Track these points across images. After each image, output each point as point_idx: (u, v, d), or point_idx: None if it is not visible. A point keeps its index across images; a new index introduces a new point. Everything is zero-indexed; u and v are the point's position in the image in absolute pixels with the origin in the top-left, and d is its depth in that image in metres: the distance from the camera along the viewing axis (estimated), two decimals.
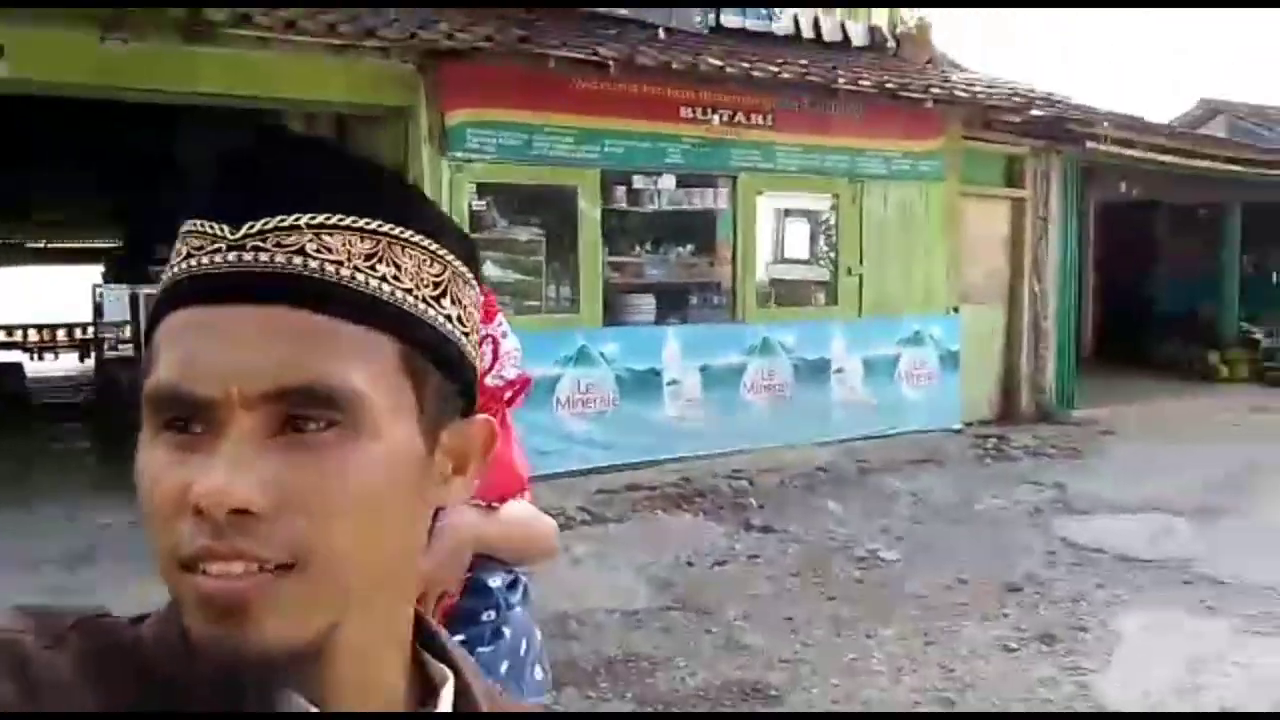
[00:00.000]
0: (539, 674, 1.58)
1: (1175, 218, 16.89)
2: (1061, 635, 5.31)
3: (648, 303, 8.94)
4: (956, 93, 10.24)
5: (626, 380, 8.50)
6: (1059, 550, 6.85)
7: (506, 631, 1.51)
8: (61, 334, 22.89)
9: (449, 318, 0.66)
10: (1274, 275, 15.07)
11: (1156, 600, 5.86)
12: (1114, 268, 16.83)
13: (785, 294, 10.09)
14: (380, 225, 0.63)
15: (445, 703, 0.69)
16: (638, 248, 9.12)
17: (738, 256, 9.41)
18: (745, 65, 8.77)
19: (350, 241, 0.62)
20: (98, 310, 14.22)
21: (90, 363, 17.59)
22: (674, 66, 8.34)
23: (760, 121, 9.38)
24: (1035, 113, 10.90)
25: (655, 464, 8.41)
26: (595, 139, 8.50)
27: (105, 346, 13.22)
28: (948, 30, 34.25)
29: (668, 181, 9.02)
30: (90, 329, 20.53)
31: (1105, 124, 11.43)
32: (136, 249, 11.61)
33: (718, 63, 8.59)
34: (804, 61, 9.40)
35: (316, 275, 0.61)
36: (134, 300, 10.12)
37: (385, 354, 0.62)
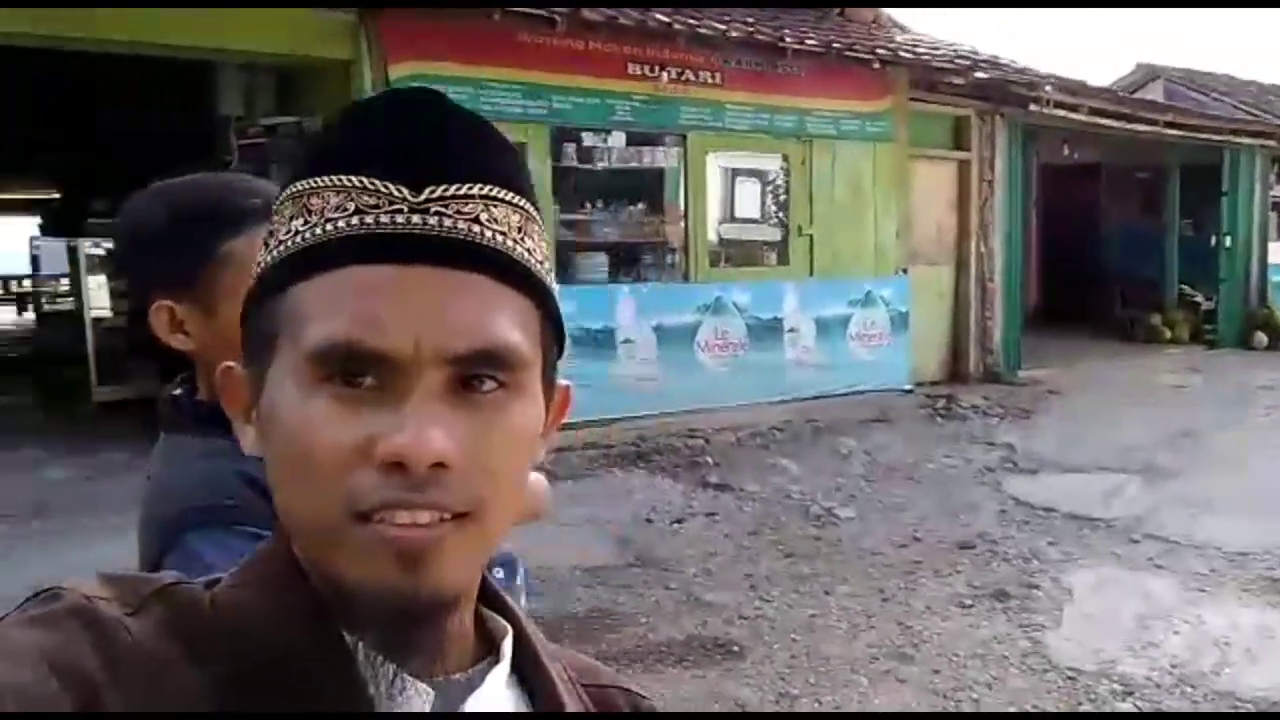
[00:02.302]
0: None
1: (1116, 180, 17.11)
2: (1014, 592, 5.34)
3: (600, 261, 8.85)
4: (901, 54, 10.22)
5: (580, 339, 8.40)
6: (1010, 509, 6.91)
7: None
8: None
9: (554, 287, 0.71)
10: (1212, 238, 15.31)
11: (1107, 558, 5.92)
12: (1058, 230, 17.01)
13: (737, 254, 10.04)
14: (520, 200, 0.67)
15: (505, 654, 0.71)
16: (589, 206, 9.00)
17: (689, 215, 9.33)
18: (692, 22, 8.66)
19: (508, 214, 0.65)
20: (34, 263, 13.81)
21: (30, 316, 17.14)
22: (621, 22, 8.21)
23: (709, 80, 9.29)
24: (979, 75, 10.92)
25: (611, 423, 8.34)
26: (543, 94, 8.35)
27: (43, 300, 12.84)
28: None
29: (617, 139, 8.91)
30: (27, 282, 20.00)
31: (1048, 87, 11.49)
32: (73, 202, 11.29)
33: (665, 19, 8.47)
34: (751, 20, 9.30)
35: (491, 244, 0.64)
36: (72, 253, 9.85)
37: (534, 320, 0.66)
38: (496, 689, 0.69)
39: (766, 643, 4.73)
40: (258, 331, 0.65)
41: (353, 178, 0.63)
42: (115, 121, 10.90)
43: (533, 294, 0.66)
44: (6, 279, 21.89)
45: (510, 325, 0.63)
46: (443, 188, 0.63)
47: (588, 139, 8.74)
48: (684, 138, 9.24)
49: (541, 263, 0.68)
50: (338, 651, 0.63)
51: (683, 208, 9.32)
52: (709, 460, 7.92)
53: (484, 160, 0.66)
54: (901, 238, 10.75)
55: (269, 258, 0.66)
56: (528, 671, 0.73)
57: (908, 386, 10.60)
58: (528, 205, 0.68)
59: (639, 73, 8.86)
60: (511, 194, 0.66)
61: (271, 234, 0.66)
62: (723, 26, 8.81)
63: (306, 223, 0.64)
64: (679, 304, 9.11)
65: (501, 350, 0.62)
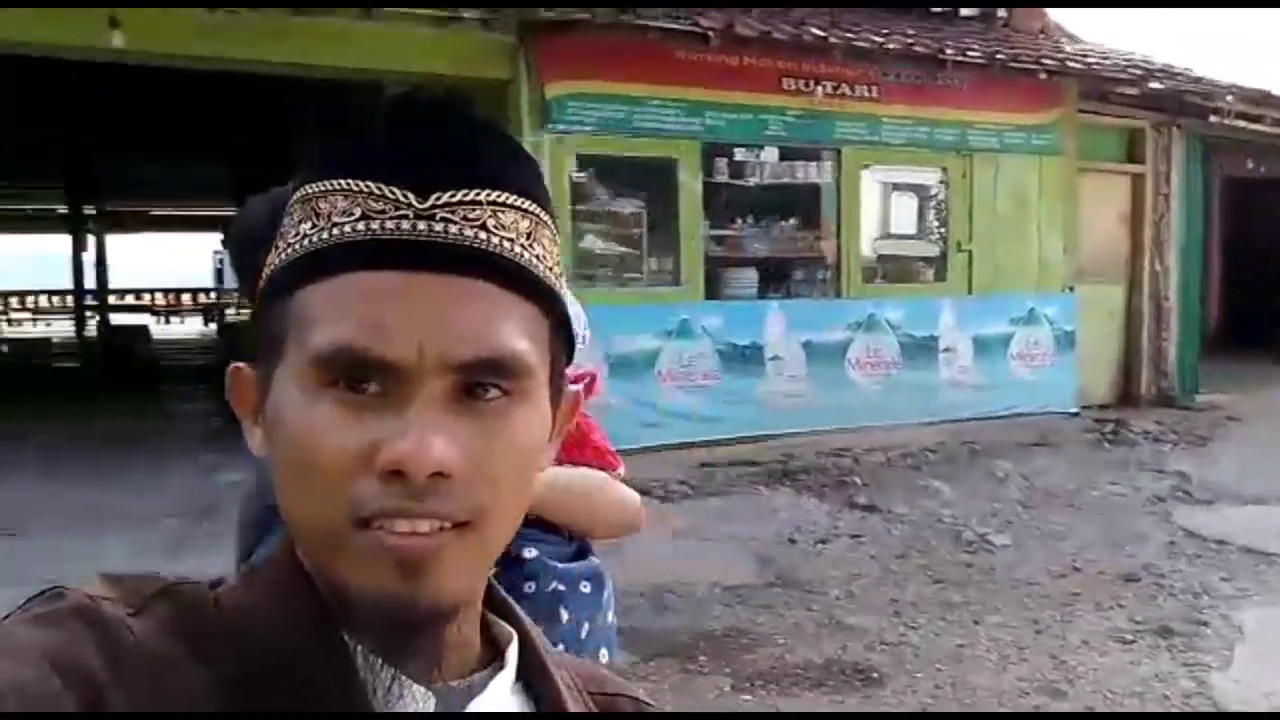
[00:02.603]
0: (604, 657, 1.47)
1: None
2: (1180, 629, 5.03)
3: (749, 276, 8.79)
4: (1070, 64, 9.83)
5: (728, 354, 8.38)
6: (1180, 540, 6.53)
7: (563, 613, 1.40)
8: (186, 299, 23.64)
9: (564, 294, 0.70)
10: None
11: None
12: (1242, 247, 16.02)
13: (892, 270, 9.83)
14: (530, 205, 0.66)
15: (511, 660, 0.70)
16: (739, 221, 8.95)
17: (842, 231, 9.19)
18: (849, 35, 8.54)
19: (516, 220, 0.65)
20: (218, 276, 14.61)
21: (213, 326, 18.16)
22: (775, 36, 8.15)
23: (865, 93, 9.14)
24: (1153, 85, 10.39)
25: (757, 440, 8.27)
26: (696, 111, 8.37)
27: (225, 311, 13.55)
28: None
29: (770, 154, 8.85)
30: (212, 294, 21.30)
31: (1229, 97, 10.86)
32: None
33: (821, 33, 8.37)
34: (910, 32, 9.11)
35: (497, 251, 0.63)
36: None
37: (541, 328, 0.66)
38: (499, 695, 0.69)
39: (909, 671, 4.58)
40: (266, 333, 0.66)
41: (361, 182, 0.63)
42: (296, 139, 11.50)
43: (540, 300, 0.66)
44: (194, 291, 23.27)
45: (516, 333, 0.63)
46: (449, 194, 0.63)
47: (739, 154, 8.71)
48: (838, 152, 9.12)
49: (551, 268, 0.67)
50: (339, 655, 0.63)
51: (836, 223, 9.19)
52: (857, 480, 7.76)
53: (493, 165, 0.65)
54: (1068, 254, 10.33)
55: (278, 260, 0.66)
56: (533, 679, 0.72)
57: (1073, 409, 10.15)
58: (538, 210, 0.67)
59: (793, 87, 8.79)
60: (521, 199, 0.65)
61: (281, 236, 0.67)
62: (880, 39, 8.66)
63: (315, 226, 0.64)
64: (830, 320, 8.97)
65: (506, 358, 0.62)
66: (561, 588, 1.39)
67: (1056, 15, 11.44)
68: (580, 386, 0.74)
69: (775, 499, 7.32)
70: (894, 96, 9.26)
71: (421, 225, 0.62)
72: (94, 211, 16.30)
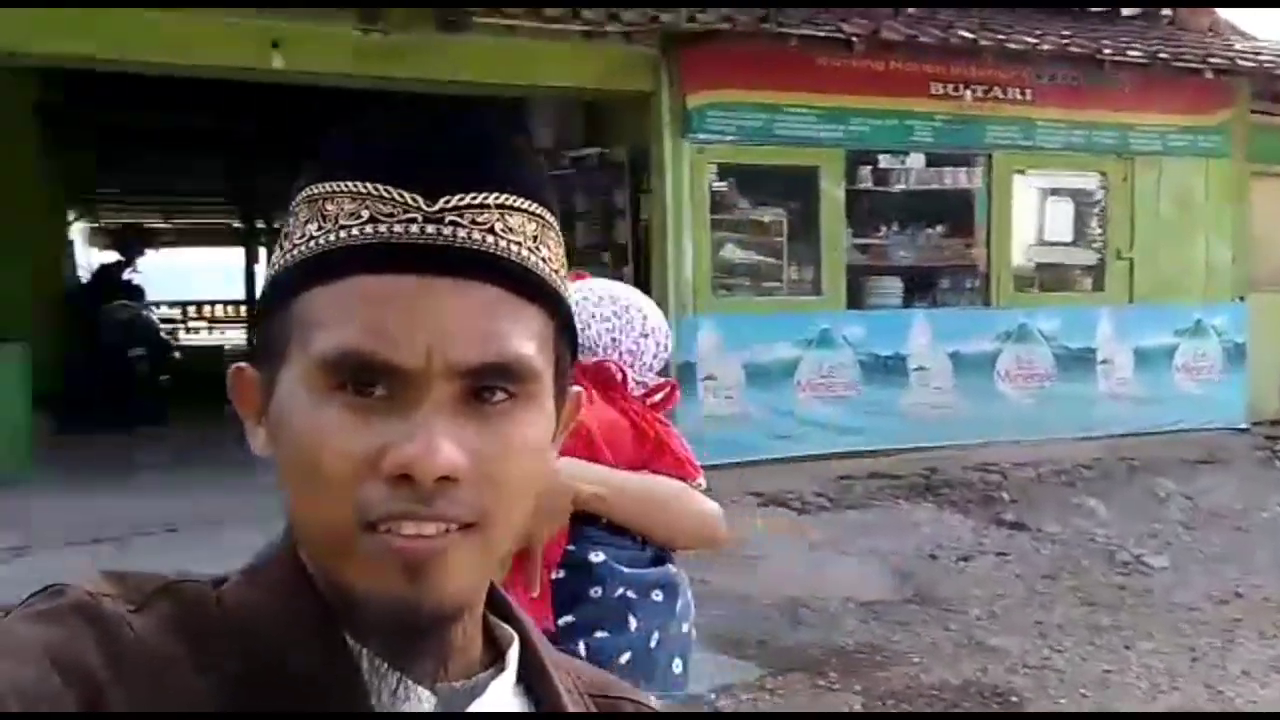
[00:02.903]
0: (676, 668, 1.43)
1: None
2: None
3: (894, 285, 8.61)
4: (1240, 62, 9.29)
5: (870, 365, 8.22)
6: None
7: (632, 621, 1.37)
8: None
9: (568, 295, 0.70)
10: None
11: None
12: None
13: (1046, 278, 9.47)
14: (537, 208, 0.66)
15: (511, 663, 0.70)
16: (884, 229, 8.78)
17: (992, 238, 8.91)
18: (1000, 37, 8.28)
19: (523, 223, 0.65)
20: None
21: None
22: (922, 40, 7.98)
23: (1018, 96, 8.86)
24: None
25: (899, 452, 8.09)
26: (839, 118, 8.26)
27: None
28: None
29: (916, 160, 8.65)
30: None
31: None
32: None
33: (970, 35, 8.15)
34: (1066, 32, 8.78)
35: (505, 255, 0.63)
36: None
37: (547, 330, 0.66)
38: (500, 697, 0.69)
39: (1051, 696, 4.41)
40: (270, 334, 0.66)
41: (368, 184, 0.63)
42: None
43: (546, 303, 0.66)
44: None
45: (522, 337, 0.63)
46: (458, 197, 0.62)
47: (884, 161, 8.55)
48: (989, 157, 8.86)
49: (557, 271, 0.67)
50: (342, 657, 0.63)
51: (986, 230, 8.92)
52: (1004, 496, 7.50)
53: (501, 168, 0.65)
54: (1238, 262, 9.76)
55: (283, 261, 0.66)
56: (533, 681, 0.72)
57: (1242, 425, 9.58)
58: (545, 213, 0.67)
59: (941, 92, 8.58)
60: (528, 202, 0.65)
61: (286, 236, 0.66)
62: (1034, 40, 8.38)
63: (321, 228, 0.63)
64: (978, 330, 8.71)
65: (514, 363, 0.62)
66: (631, 594, 1.38)
67: (1227, 13, 10.85)
68: (580, 389, 0.73)
69: (916, 513, 7.14)
70: (1048, 99, 8.94)
71: (430, 228, 0.62)
72: (263, 226, 17.19)
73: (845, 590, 5.49)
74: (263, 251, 19.71)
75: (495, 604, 0.72)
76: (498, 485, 0.62)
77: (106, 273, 11.58)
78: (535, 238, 0.65)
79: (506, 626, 0.73)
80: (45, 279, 9.84)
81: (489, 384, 0.62)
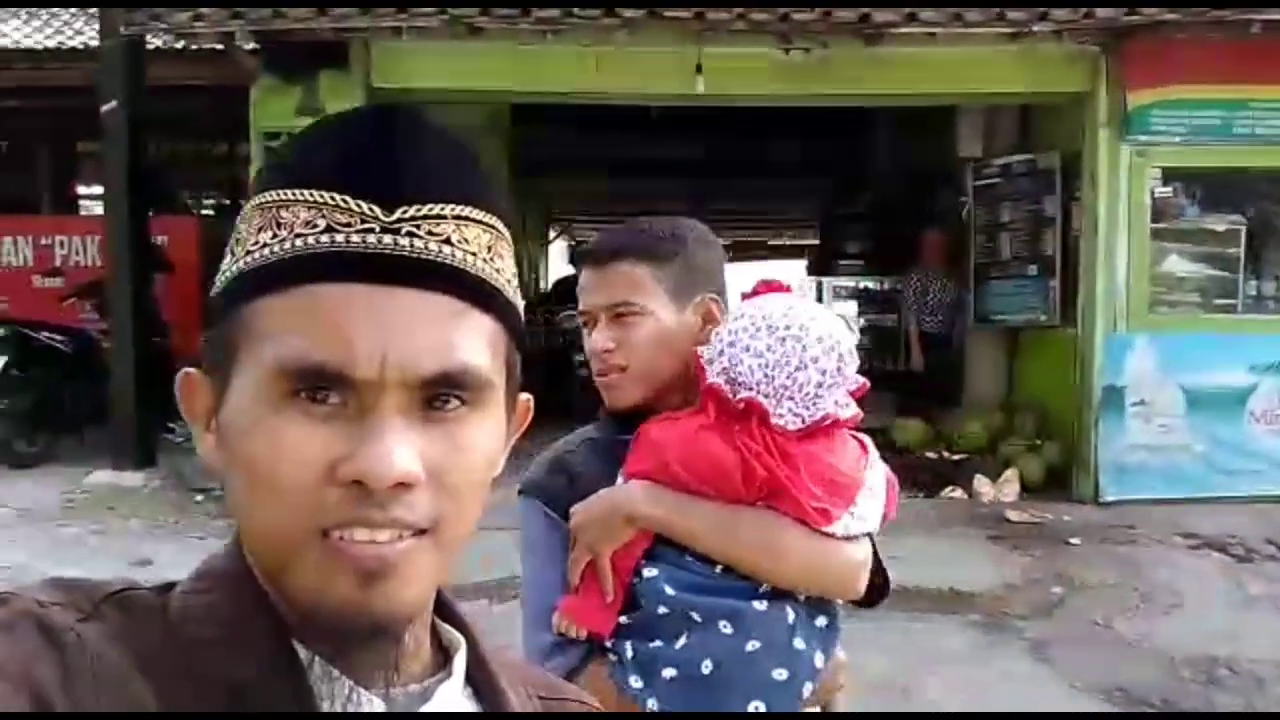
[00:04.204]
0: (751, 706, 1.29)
1: None
2: None
3: None
4: None
5: None
6: None
7: (681, 640, 1.29)
8: None
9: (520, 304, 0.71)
10: None
11: None
12: None
13: None
14: (491, 218, 0.67)
15: (459, 665, 0.71)
16: None
17: None
18: None
19: (479, 234, 0.66)
20: None
21: None
22: None
23: None
24: None
25: None
26: None
27: None
28: None
29: None
30: None
31: None
32: (826, 246, 12.66)
33: None
34: None
35: (461, 266, 0.64)
36: (820, 290, 10.98)
37: (500, 339, 0.67)
38: (449, 701, 0.69)
39: None
40: (220, 340, 0.65)
41: (325, 194, 0.63)
42: (860, 175, 11.91)
43: (499, 313, 0.66)
44: None
45: (477, 347, 0.64)
46: (415, 207, 0.63)
47: None
48: None
49: (509, 281, 0.68)
50: (292, 665, 0.63)
51: None
52: None
53: (456, 179, 0.66)
54: None
55: (236, 267, 0.65)
56: (482, 684, 0.72)
57: None
58: (498, 223, 0.67)
59: None
60: (483, 213, 0.66)
61: (238, 242, 0.66)
62: None
63: (275, 236, 0.63)
64: None
65: (469, 372, 0.63)
66: (683, 614, 1.29)
67: None
68: (529, 397, 0.74)
69: None
70: None
71: (388, 239, 0.62)
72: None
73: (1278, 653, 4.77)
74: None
75: (441, 607, 0.73)
76: (451, 492, 0.63)
77: (563, 284, 12.78)
78: (490, 248, 0.66)
79: (453, 630, 0.73)
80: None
81: (443, 392, 0.63)
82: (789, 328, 1.27)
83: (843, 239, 11.95)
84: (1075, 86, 7.32)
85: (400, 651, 0.67)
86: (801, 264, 20.04)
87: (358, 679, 0.65)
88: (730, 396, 1.29)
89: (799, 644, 1.27)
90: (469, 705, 0.71)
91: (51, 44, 8.91)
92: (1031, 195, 8.10)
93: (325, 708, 0.64)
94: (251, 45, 7.14)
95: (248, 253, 0.65)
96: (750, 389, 1.27)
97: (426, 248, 0.63)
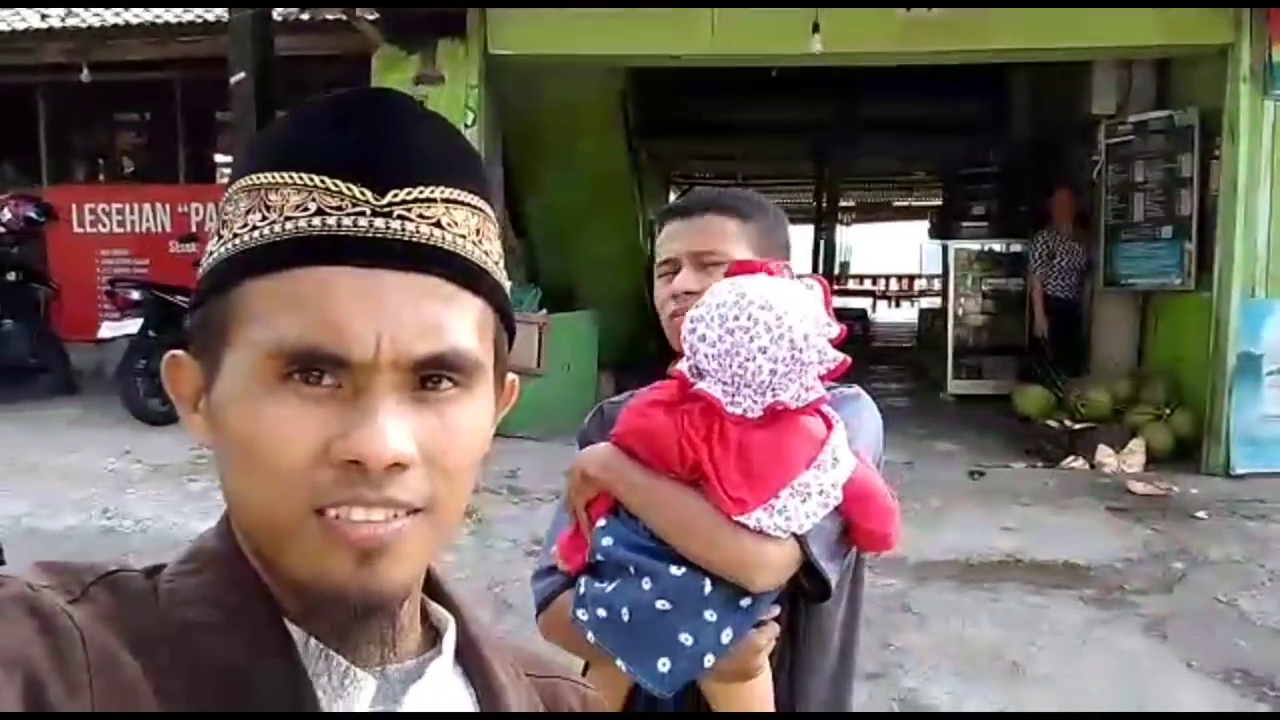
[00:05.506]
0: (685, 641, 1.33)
1: None
2: None
3: None
4: None
5: None
6: None
7: (612, 585, 1.32)
8: (905, 284, 24.97)
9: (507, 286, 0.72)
10: None
11: None
12: None
13: None
14: (479, 201, 0.68)
15: (449, 643, 0.72)
16: None
17: None
18: None
19: (467, 217, 0.67)
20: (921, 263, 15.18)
21: (916, 310, 19.05)
22: None
23: None
24: None
25: None
26: None
27: (923, 296, 14.02)
28: None
29: None
30: (917, 280, 22.33)
31: None
32: (953, 207, 12.32)
33: None
34: None
35: (452, 248, 0.65)
36: (944, 252, 10.70)
37: (488, 320, 0.68)
38: (439, 679, 0.70)
39: None
40: (208, 322, 0.66)
41: (315, 177, 0.63)
42: (991, 135, 11.52)
43: (488, 295, 0.68)
44: (909, 277, 24.48)
45: (468, 329, 0.65)
46: (405, 191, 0.63)
47: None
48: None
49: (497, 263, 0.69)
50: (285, 644, 0.64)
51: None
52: None
53: (445, 162, 0.66)
54: None
55: (224, 250, 0.65)
56: (471, 661, 0.73)
57: None
58: (485, 206, 0.68)
59: None
60: (471, 195, 0.67)
61: (225, 224, 0.66)
62: None
63: (265, 218, 0.64)
64: None
65: (460, 354, 0.64)
66: (624, 563, 1.35)
67: None
68: (515, 377, 0.76)
69: None
70: None
71: (379, 222, 0.63)
72: (832, 205, 17.91)
73: None
74: (840, 229, 20.69)
75: (431, 586, 0.74)
76: (444, 472, 0.64)
77: None
78: (478, 230, 0.67)
79: (441, 608, 0.74)
80: (627, 257, 10.35)
81: (436, 374, 0.64)
82: (737, 318, 1.26)
83: (968, 200, 11.60)
84: (1216, 39, 6.95)
85: (394, 630, 0.69)
86: (924, 225, 19.61)
87: (353, 658, 0.66)
88: (691, 381, 1.31)
89: (709, 615, 1.29)
90: (459, 682, 0.72)
91: (186, 19, 9.22)
92: (1167, 153, 7.73)
93: (320, 686, 0.64)
94: (373, 15, 7.31)
95: (235, 235, 0.65)
96: (710, 375, 1.30)
97: (418, 231, 0.64)
